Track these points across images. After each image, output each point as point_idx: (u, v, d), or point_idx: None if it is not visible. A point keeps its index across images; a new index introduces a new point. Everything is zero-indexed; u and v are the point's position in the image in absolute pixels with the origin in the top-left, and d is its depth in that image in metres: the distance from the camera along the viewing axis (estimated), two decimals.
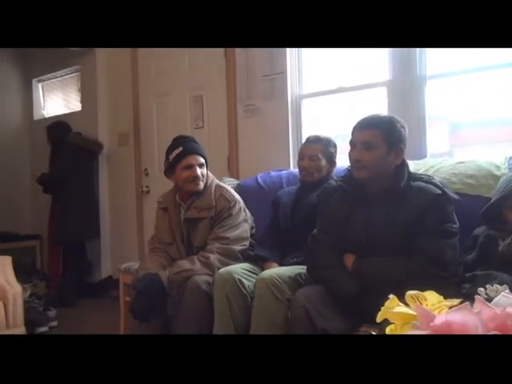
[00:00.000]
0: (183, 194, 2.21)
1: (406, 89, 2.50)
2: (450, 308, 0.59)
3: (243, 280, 1.92)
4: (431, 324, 0.53)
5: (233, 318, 1.87)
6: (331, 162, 2.20)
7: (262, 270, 2.03)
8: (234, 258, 2.10)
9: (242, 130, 3.17)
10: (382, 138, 1.58)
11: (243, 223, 2.19)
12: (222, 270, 1.96)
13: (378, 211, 1.60)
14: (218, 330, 1.88)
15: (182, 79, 3.49)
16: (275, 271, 1.87)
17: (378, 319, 0.63)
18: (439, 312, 0.58)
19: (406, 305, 0.64)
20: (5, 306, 2.34)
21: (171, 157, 2.15)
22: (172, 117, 3.58)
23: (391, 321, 0.61)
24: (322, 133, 2.29)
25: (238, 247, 2.12)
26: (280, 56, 2.96)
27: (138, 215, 3.81)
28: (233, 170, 3.19)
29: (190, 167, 2.12)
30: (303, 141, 2.93)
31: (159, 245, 2.27)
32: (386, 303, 0.62)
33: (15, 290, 2.40)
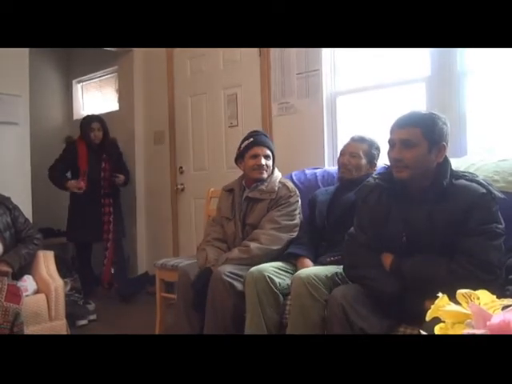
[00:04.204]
0: (249, 181, 2.41)
1: (446, 85, 2.44)
2: (504, 308, 0.58)
3: (274, 278, 1.94)
4: (488, 323, 0.52)
5: (264, 315, 1.89)
6: (372, 163, 2.18)
7: (295, 267, 2.04)
8: (278, 243, 2.18)
9: (276, 128, 3.17)
10: (423, 135, 1.53)
11: (296, 217, 2.30)
12: (253, 268, 1.98)
13: (419, 210, 1.56)
14: (250, 327, 1.90)
15: (217, 78, 3.51)
16: (312, 270, 1.87)
17: (428, 317, 0.62)
18: (493, 311, 0.57)
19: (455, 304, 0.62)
20: (47, 299, 2.40)
21: (242, 146, 2.40)
22: (207, 116, 3.61)
23: (442, 319, 0.60)
24: (367, 134, 2.27)
25: (285, 235, 2.21)
26: (315, 53, 2.94)
27: (173, 212, 3.87)
28: None
29: (257, 156, 2.33)
30: (338, 138, 2.92)
31: (218, 228, 2.42)
32: (436, 301, 0.61)
33: (57, 283, 2.45)
